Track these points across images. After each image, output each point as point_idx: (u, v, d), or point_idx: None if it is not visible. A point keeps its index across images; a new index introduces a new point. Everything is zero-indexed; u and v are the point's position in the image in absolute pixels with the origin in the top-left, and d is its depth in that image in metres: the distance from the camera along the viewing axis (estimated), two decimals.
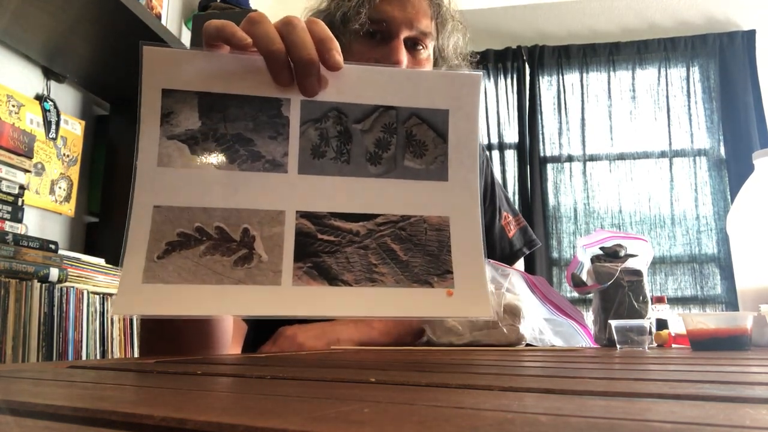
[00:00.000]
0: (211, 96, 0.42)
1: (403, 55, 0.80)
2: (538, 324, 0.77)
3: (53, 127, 1.35)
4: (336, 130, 0.43)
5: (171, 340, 0.57)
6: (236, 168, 0.41)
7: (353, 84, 0.43)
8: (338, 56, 0.41)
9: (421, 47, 0.83)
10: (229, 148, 0.41)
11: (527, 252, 0.95)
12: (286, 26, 0.41)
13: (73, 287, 1.07)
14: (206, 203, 0.40)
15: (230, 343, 0.63)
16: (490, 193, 0.96)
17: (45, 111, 1.33)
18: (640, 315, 0.75)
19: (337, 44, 0.42)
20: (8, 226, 1.05)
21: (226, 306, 0.39)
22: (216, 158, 0.41)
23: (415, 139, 0.43)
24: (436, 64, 0.87)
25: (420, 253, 0.41)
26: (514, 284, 0.76)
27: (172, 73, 0.41)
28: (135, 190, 0.40)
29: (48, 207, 1.35)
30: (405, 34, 0.81)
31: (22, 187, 1.09)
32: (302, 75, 0.41)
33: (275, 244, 0.40)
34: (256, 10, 0.44)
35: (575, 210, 2.65)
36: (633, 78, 2.72)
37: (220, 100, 0.42)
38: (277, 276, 0.39)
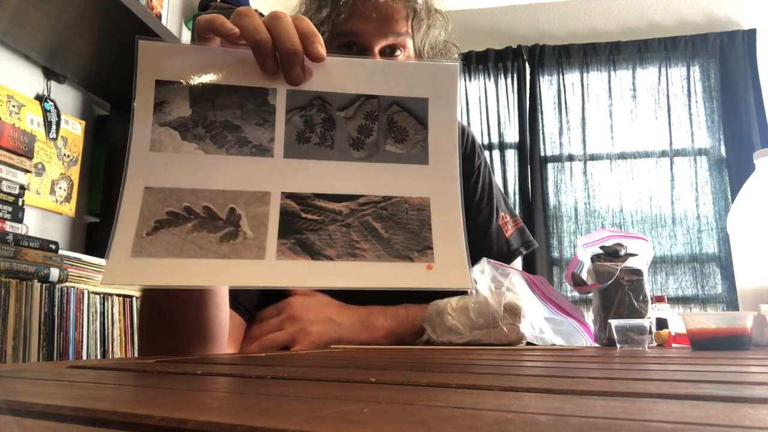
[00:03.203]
0: (201, 86, 0.44)
1: None
2: (539, 323, 0.76)
3: (53, 127, 1.35)
4: (320, 117, 0.44)
5: (169, 329, 0.57)
6: (224, 152, 0.43)
7: (336, 74, 0.45)
8: (321, 48, 0.44)
9: (399, 52, 0.82)
10: (217, 134, 0.43)
11: (524, 252, 0.95)
12: (272, 19, 0.44)
13: (73, 287, 1.07)
14: (195, 185, 0.42)
15: (227, 337, 0.63)
16: (487, 193, 0.96)
17: (45, 111, 1.33)
18: (640, 314, 0.75)
19: (320, 38, 0.44)
20: (9, 226, 1.05)
21: (212, 277, 0.41)
22: (205, 143, 0.43)
23: (396, 126, 0.45)
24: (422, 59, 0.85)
25: (401, 230, 0.43)
26: (514, 283, 0.76)
27: (165, 65, 0.44)
28: (127, 172, 0.42)
29: (48, 207, 1.35)
30: (380, 44, 0.80)
31: (22, 188, 1.09)
32: (287, 65, 0.43)
33: (260, 222, 0.42)
34: (248, 7, 0.47)
35: (576, 209, 2.65)
36: (633, 77, 2.72)
37: (209, 90, 0.44)
38: (261, 251, 0.41)
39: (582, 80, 2.74)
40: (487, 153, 2.69)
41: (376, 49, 0.80)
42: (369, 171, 0.44)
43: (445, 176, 0.44)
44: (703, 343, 0.63)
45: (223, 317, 0.60)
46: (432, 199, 0.44)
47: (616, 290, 0.76)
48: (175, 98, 0.43)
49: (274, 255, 0.41)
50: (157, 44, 0.44)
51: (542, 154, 2.71)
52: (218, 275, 0.40)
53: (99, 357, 1.11)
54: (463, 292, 0.76)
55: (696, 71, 2.69)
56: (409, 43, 0.83)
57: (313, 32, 0.44)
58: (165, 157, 0.42)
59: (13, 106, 1.25)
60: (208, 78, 0.44)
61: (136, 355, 1.20)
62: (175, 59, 0.44)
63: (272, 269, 0.40)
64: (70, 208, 1.41)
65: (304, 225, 0.42)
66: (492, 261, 0.78)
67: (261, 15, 0.46)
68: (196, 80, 0.44)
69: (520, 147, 2.73)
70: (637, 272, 0.77)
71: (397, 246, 0.42)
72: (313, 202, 0.43)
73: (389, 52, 0.82)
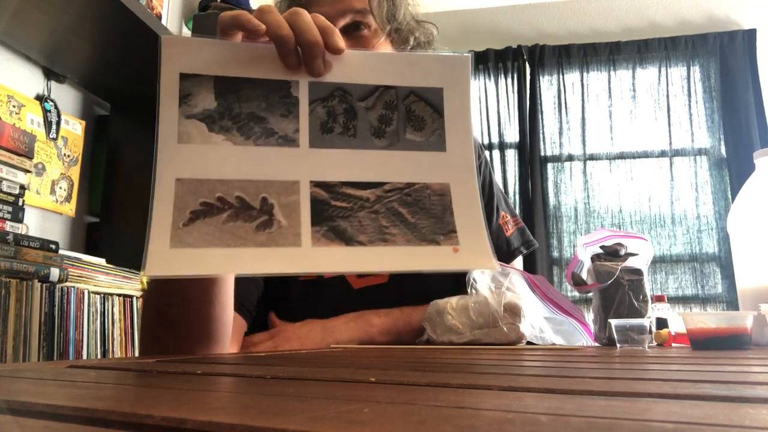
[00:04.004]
0: (225, 79, 0.45)
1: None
2: (539, 322, 0.77)
3: (54, 127, 1.35)
4: (342, 107, 0.46)
5: (172, 328, 0.57)
6: (251, 143, 0.44)
7: (355, 67, 0.47)
8: (340, 41, 0.45)
9: (363, 27, 0.80)
10: (244, 125, 0.44)
11: (525, 252, 0.95)
12: (293, 15, 0.46)
13: (73, 287, 1.07)
14: (225, 175, 0.43)
15: (230, 337, 0.63)
16: (488, 192, 0.96)
17: (45, 111, 1.33)
18: (640, 314, 0.75)
19: (338, 32, 0.46)
20: (9, 226, 1.05)
21: (253, 264, 0.41)
22: (232, 135, 0.44)
23: (414, 115, 0.47)
24: (391, 34, 0.83)
25: (425, 215, 0.44)
26: (514, 283, 0.76)
27: (189, 59, 0.45)
28: (157, 165, 0.42)
29: (48, 207, 1.35)
30: (340, 24, 0.79)
31: (22, 188, 1.09)
32: (309, 57, 0.45)
33: (292, 210, 0.43)
34: (268, 5, 0.48)
35: (576, 209, 2.65)
36: (633, 77, 2.71)
37: (234, 83, 0.45)
38: (297, 238, 0.42)
39: (582, 80, 2.74)
40: (487, 153, 2.69)
41: (339, 27, 0.77)
42: (392, 159, 0.46)
43: (461, 162, 0.46)
44: (703, 342, 0.63)
45: (227, 316, 0.60)
46: (452, 184, 0.46)
47: (616, 290, 0.76)
48: (200, 91, 0.44)
49: (310, 242, 0.42)
50: (180, 38, 0.46)
51: (542, 154, 2.71)
52: (259, 263, 0.41)
53: (99, 357, 1.11)
54: (457, 291, 0.77)
55: (696, 71, 2.68)
56: (371, 19, 0.81)
57: (331, 27, 0.46)
58: (194, 149, 0.43)
59: (14, 106, 1.25)
60: (232, 71, 0.45)
61: (136, 354, 1.21)
62: (199, 53, 0.45)
63: (310, 256, 0.41)
64: (70, 208, 1.41)
65: (334, 212, 0.43)
66: None
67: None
68: (221, 73, 0.45)
69: (520, 147, 2.73)
70: (637, 272, 0.77)
71: (424, 230, 0.44)
72: (341, 190, 0.44)
73: (354, 28, 0.80)
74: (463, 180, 0.46)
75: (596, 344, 0.78)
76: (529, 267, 2.41)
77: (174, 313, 0.57)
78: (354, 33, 0.80)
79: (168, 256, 0.39)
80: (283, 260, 0.41)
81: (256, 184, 0.43)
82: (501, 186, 2.09)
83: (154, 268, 0.39)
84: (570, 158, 2.70)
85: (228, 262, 0.40)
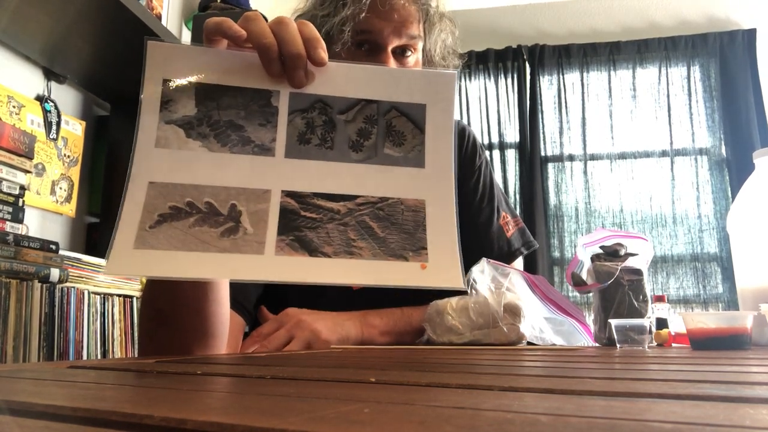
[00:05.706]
0: (207, 86, 0.45)
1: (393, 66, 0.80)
2: (539, 323, 0.77)
3: (54, 127, 1.35)
4: (321, 119, 0.46)
5: (170, 327, 0.58)
6: (227, 151, 0.44)
7: (338, 79, 0.47)
8: (323, 54, 0.46)
9: (409, 52, 0.83)
10: (221, 133, 0.45)
11: (525, 252, 0.95)
12: (278, 24, 0.46)
13: (73, 287, 1.07)
14: (198, 181, 0.43)
15: (227, 335, 0.63)
16: (488, 192, 0.96)
17: (45, 112, 1.33)
18: (640, 314, 0.75)
19: (323, 43, 0.46)
20: (9, 226, 1.05)
21: (212, 270, 0.42)
22: (209, 141, 0.44)
23: (394, 130, 0.47)
24: (423, 66, 0.87)
25: (396, 230, 0.44)
26: (514, 283, 0.76)
27: (172, 65, 0.45)
28: (132, 167, 0.43)
29: (49, 207, 1.35)
30: (393, 44, 0.81)
31: (22, 188, 1.09)
32: (291, 68, 0.45)
33: (260, 218, 0.43)
34: (255, 11, 0.49)
35: (576, 209, 2.65)
36: (633, 77, 2.71)
37: (215, 91, 0.45)
38: (260, 246, 0.42)
39: (582, 80, 2.74)
40: (487, 153, 2.69)
41: (389, 48, 0.81)
42: (367, 172, 0.45)
43: (440, 180, 0.46)
44: (703, 342, 0.63)
45: (224, 312, 0.61)
46: (427, 201, 0.45)
47: (616, 290, 0.76)
48: (181, 97, 0.45)
49: (273, 251, 0.42)
50: (166, 45, 0.46)
51: (542, 154, 2.71)
52: (219, 268, 0.41)
53: (99, 357, 1.11)
54: (456, 293, 0.76)
55: (696, 71, 2.69)
56: (420, 45, 0.84)
57: (317, 38, 0.46)
58: (169, 154, 0.43)
59: (14, 107, 1.25)
60: (214, 78, 0.45)
61: (136, 355, 1.20)
62: (183, 59, 0.45)
63: (271, 264, 0.41)
64: (70, 209, 1.41)
65: (302, 223, 0.43)
66: (492, 261, 0.78)
67: (265, 18, 0.47)
68: (203, 80, 0.45)
69: (520, 147, 2.73)
70: (637, 272, 0.77)
71: (393, 245, 0.43)
72: (312, 200, 0.44)
73: (400, 52, 0.83)
74: (439, 197, 0.45)
75: (596, 344, 0.79)
76: (530, 267, 2.41)
77: (171, 311, 0.57)
78: (402, 56, 0.83)
79: (130, 256, 0.40)
80: (243, 267, 0.41)
81: (228, 191, 0.43)
82: (501, 186, 2.09)
83: (114, 267, 0.40)
84: (570, 158, 2.70)
85: (189, 266, 0.41)
